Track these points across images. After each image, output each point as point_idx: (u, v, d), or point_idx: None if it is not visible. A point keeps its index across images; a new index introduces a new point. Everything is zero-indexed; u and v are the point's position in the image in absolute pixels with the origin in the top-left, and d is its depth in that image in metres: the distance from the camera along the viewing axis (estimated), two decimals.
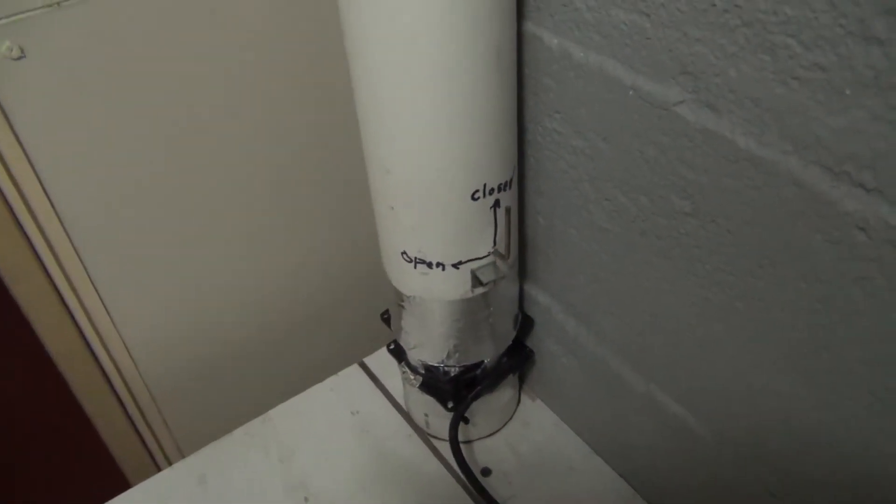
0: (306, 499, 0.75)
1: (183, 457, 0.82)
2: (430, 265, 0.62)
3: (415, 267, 0.62)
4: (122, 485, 0.92)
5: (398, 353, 0.77)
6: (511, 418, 0.82)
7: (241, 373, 0.93)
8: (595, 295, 0.65)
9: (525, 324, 0.76)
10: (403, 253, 0.62)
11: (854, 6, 0.35)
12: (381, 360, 0.88)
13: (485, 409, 0.77)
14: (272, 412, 0.84)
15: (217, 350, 0.89)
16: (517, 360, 0.77)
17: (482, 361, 0.72)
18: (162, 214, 0.76)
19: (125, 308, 0.79)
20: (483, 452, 0.79)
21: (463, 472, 0.71)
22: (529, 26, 0.56)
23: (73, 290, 0.74)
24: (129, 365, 0.82)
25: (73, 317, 0.77)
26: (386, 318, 0.77)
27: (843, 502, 0.51)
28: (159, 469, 0.88)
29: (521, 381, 0.84)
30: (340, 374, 0.88)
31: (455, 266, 0.62)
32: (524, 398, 0.84)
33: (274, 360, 0.95)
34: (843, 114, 0.38)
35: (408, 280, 0.65)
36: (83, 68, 0.64)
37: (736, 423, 0.57)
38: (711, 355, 0.56)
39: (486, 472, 0.76)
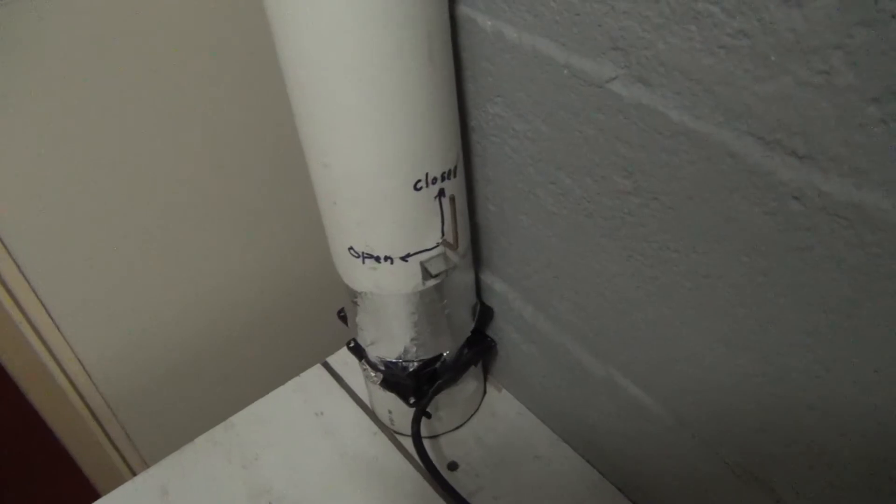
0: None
1: (147, 467, 0.80)
2: (378, 259, 0.60)
3: (363, 262, 0.61)
4: (93, 497, 0.91)
5: (358, 351, 0.76)
6: (477, 410, 0.81)
7: (201, 379, 0.92)
8: (549, 280, 0.64)
9: (485, 313, 0.75)
10: (350, 248, 0.61)
11: None
12: (344, 359, 0.87)
13: (449, 403, 0.76)
14: (234, 418, 0.82)
15: (175, 358, 0.87)
16: (478, 351, 0.76)
17: (442, 354, 0.71)
18: (109, 224, 0.74)
19: (76, 323, 0.77)
20: (450, 446, 0.78)
21: (427, 467, 0.70)
22: (463, 9, 0.55)
23: (21, 309, 0.72)
24: (84, 380, 0.81)
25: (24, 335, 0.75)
26: (342, 315, 0.76)
27: (804, 477, 0.50)
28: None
29: (486, 371, 0.83)
30: (303, 375, 0.86)
31: (404, 259, 0.60)
32: (490, 389, 0.83)
33: (235, 365, 0.94)
34: (770, 81, 0.37)
35: (358, 276, 0.63)
36: (19, 76, 0.62)
37: (695, 403, 0.56)
38: (664, 335, 0.55)
39: (454, 465, 0.75)
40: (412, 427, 0.71)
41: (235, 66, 0.75)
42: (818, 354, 0.43)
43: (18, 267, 0.70)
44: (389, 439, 0.78)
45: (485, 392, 0.82)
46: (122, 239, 0.76)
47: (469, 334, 0.73)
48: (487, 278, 0.73)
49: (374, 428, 0.80)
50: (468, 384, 0.77)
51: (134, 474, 0.91)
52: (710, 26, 0.38)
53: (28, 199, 0.68)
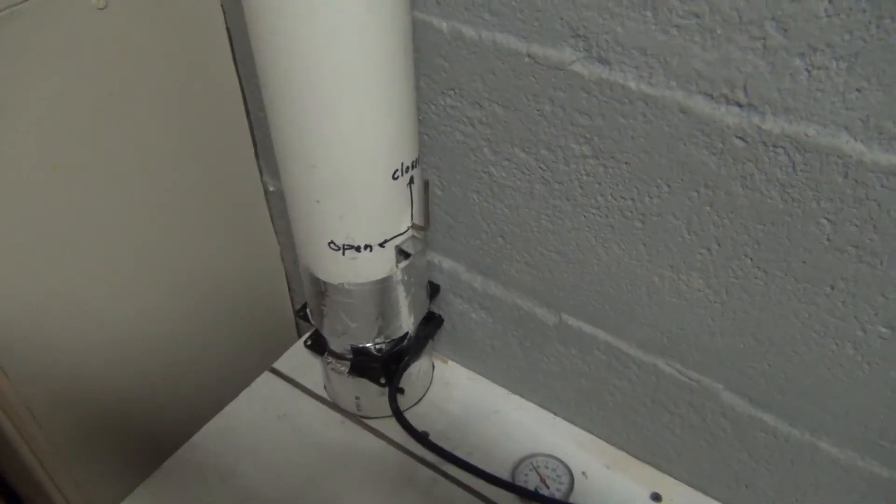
0: None
1: None
2: (358, 249, 0.66)
3: (343, 254, 0.66)
4: None
5: (318, 346, 0.80)
6: (431, 383, 0.88)
7: (147, 409, 0.89)
8: (500, 248, 0.73)
9: (433, 291, 0.82)
10: (331, 243, 0.65)
11: None
12: (290, 361, 0.90)
13: (409, 380, 0.82)
14: (195, 438, 0.82)
15: (115, 388, 0.85)
16: (433, 326, 0.83)
17: (407, 333, 0.77)
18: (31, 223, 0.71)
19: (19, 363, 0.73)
20: (416, 419, 0.83)
21: (413, 436, 0.76)
22: (417, 14, 0.61)
23: None
24: (30, 423, 0.76)
25: None
26: (302, 314, 0.79)
27: (753, 385, 0.63)
28: None
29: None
30: (254, 384, 0.88)
31: (381, 245, 0.66)
32: (437, 362, 0.90)
33: (179, 389, 0.93)
34: (716, 49, 0.48)
35: (336, 268, 0.68)
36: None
37: (647, 327, 0.68)
38: (614, 272, 0.65)
39: (424, 435, 0.82)
40: (391, 404, 0.77)
41: (179, 78, 0.75)
42: (756, 260, 0.56)
43: None
44: (358, 425, 0.83)
45: (433, 366, 0.89)
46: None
47: (426, 311, 0.79)
48: (434, 258, 0.80)
49: (340, 418, 0.84)
50: (423, 360, 0.84)
51: None
52: (665, 10, 0.49)
53: None
